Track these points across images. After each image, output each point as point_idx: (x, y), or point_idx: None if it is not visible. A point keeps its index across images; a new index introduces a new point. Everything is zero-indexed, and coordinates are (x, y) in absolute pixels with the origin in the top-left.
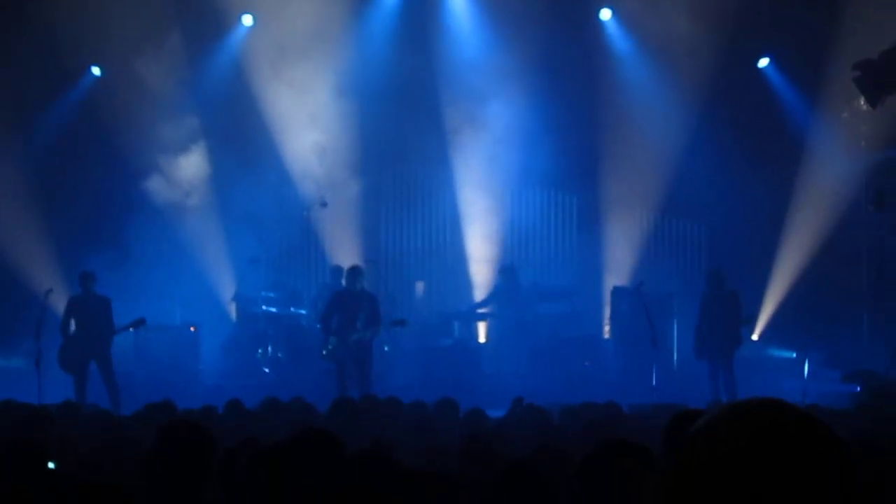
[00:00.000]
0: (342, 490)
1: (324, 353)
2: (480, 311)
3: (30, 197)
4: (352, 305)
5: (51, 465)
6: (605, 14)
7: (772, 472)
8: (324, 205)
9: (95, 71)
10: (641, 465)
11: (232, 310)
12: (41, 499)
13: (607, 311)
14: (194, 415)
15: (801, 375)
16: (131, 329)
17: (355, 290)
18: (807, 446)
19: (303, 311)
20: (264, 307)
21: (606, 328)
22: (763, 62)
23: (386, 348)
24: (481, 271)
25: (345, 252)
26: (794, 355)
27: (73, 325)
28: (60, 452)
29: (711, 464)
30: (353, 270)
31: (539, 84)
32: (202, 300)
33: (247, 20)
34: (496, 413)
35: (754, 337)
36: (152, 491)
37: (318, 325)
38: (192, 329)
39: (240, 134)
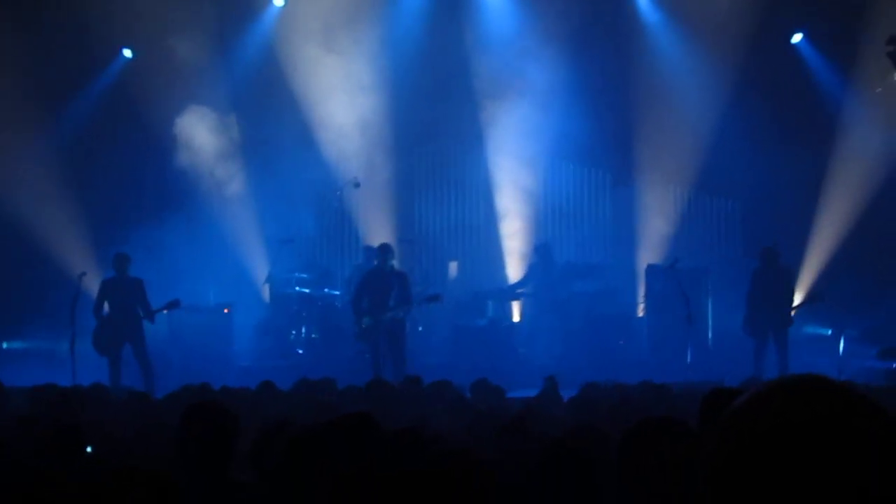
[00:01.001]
0: (377, 470)
1: (363, 325)
2: (518, 290)
3: (62, 179)
4: (382, 284)
5: (88, 448)
6: None
7: (819, 447)
8: (357, 185)
9: (127, 53)
10: (681, 441)
11: (265, 291)
12: (78, 483)
13: (641, 289)
14: (226, 395)
15: (836, 352)
16: (165, 311)
17: (386, 269)
18: (854, 421)
19: (336, 292)
20: (297, 288)
21: (641, 306)
22: (797, 37)
23: (420, 328)
24: (515, 250)
25: (378, 232)
26: (830, 332)
27: (106, 308)
28: (94, 435)
29: (756, 437)
30: (383, 249)
31: (572, 60)
32: (235, 282)
33: (278, 0)
34: (530, 392)
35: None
36: (180, 472)
37: (350, 306)
38: (225, 311)
39: (272, 114)
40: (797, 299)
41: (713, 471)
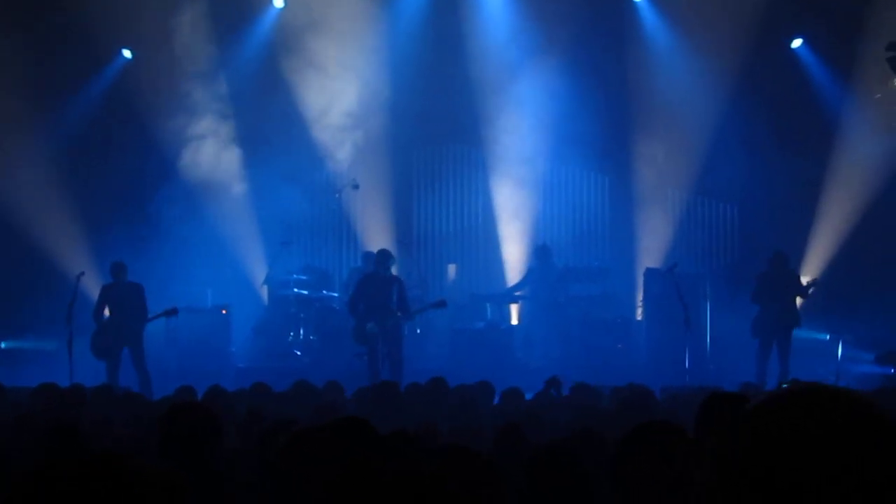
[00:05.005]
0: (376, 468)
1: (367, 331)
2: (516, 293)
3: (61, 179)
4: (380, 289)
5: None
6: None
7: (834, 451)
8: (355, 186)
9: (126, 53)
10: (677, 446)
11: (263, 293)
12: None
13: (640, 293)
14: (222, 396)
15: (834, 357)
16: (164, 317)
17: (384, 275)
18: (866, 429)
19: (335, 294)
20: (296, 290)
21: (639, 310)
22: (796, 43)
23: (418, 331)
24: (513, 253)
25: (377, 234)
26: (828, 337)
27: (106, 312)
28: (94, 434)
29: (769, 439)
30: (383, 254)
31: (571, 65)
32: (233, 283)
33: (278, 2)
34: (528, 395)
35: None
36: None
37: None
38: (223, 312)
39: (270, 116)
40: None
41: (725, 468)
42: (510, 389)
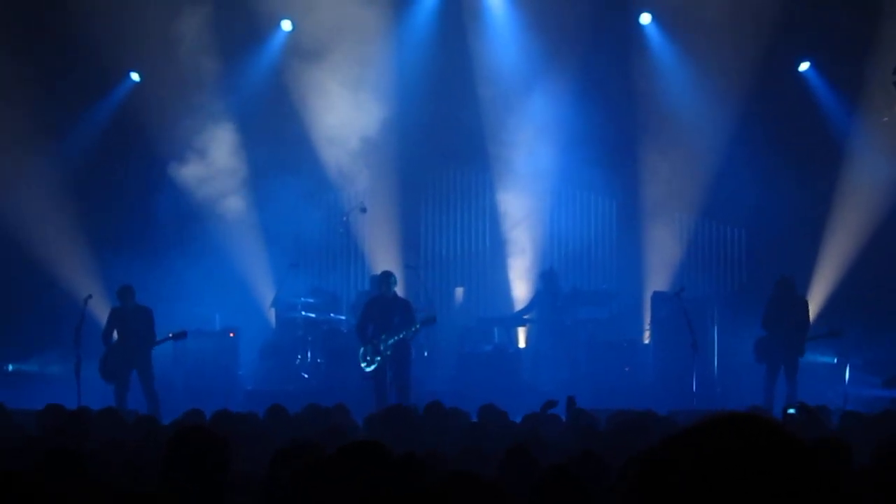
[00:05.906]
0: (386, 494)
1: (368, 368)
2: (524, 317)
3: (68, 202)
4: (386, 312)
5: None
6: (645, 18)
7: (743, 481)
8: (363, 210)
9: (134, 76)
10: None
11: (271, 316)
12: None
13: (647, 316)
14: (234, 420)
15: (842, 381)
16: (172, 339)
17: (388, 297)
18: (776, 459)
19: (342, 317)
20: (303, 313)
21: (646, 333)
22: (804, 66)
23: (426, 353)
24: (520, 276)
25: (384, 257)
26: (835, 361)
27: (115, 335)
28: (101, 458)
29: (682, 468)
30: (385, 276)
31: (578, 88)
32: (241, 306)
33: (286, 25)
34: None
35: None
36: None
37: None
38: (231, 335)
39: (278, 139)
40: (813, 331)
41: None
42: (531, 414)
